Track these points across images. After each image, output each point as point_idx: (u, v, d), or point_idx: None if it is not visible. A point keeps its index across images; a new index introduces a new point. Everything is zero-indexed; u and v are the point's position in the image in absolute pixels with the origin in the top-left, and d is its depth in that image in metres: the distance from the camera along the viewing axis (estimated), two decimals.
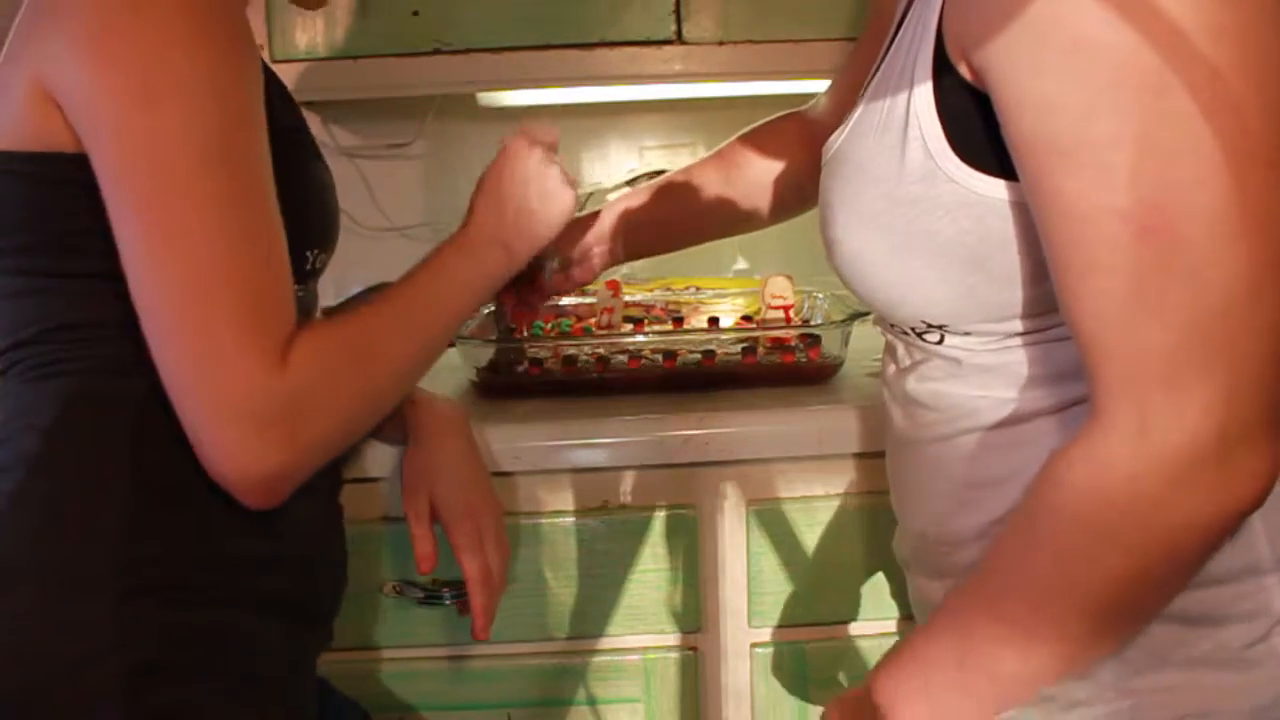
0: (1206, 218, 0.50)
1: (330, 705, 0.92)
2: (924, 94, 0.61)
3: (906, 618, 1.08)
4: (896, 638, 1.08)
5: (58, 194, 0.69)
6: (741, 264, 1.61)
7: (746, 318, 1.30)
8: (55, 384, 0.71)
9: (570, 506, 1.05)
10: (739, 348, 1.15)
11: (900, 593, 1.07)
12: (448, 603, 1.03)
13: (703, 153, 1.56)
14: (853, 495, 1.06)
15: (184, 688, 0.70)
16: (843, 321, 1.13)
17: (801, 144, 1.04)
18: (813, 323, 1.22)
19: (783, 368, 1.13)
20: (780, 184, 1.07)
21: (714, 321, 1.27)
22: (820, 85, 1.27)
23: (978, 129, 0.58)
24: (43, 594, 0.68)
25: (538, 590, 1.06)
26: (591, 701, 1.08)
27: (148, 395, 0.69)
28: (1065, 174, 0.52)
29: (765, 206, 1.08)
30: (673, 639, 1.08)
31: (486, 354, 1.14)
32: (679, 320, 1.29)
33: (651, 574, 1.06)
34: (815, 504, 1.06)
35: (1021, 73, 0.53)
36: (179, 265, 0.64)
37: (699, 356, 1.15)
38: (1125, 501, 0.53)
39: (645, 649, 1.08)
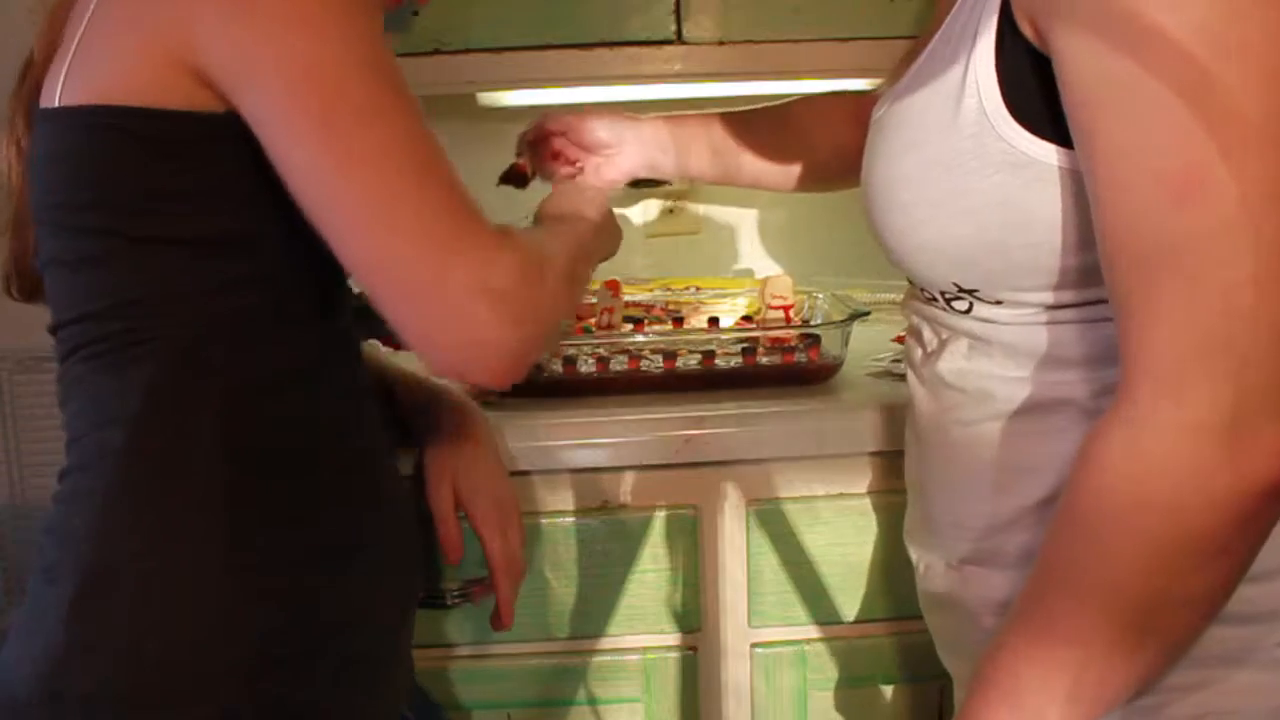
0: (1241, 189, 0.50)
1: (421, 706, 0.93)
2: (985, 52, 0.61)
3: (907, 618, 1.08)
4: (896, 638, 1.09)
5: (160, 151, 0.67)
6: (741, 264, 1.61)
7: (746, 318, 1.30)
8: (132, 372, 0.69)
9: (570, 506, 1.05)
10: (739, 348, 1.15)
11: (901, 592, 1.07)
12: (449, 604, 1.03)
13: None
14: (853, 495, 1.06)
15: (296, 675, 0.70)
16: (843, 321, 1.13)
17: (859, 119, 1.02)
18: (813, 323, 1.22)
19: (783, 368, 1.13)
20: (830, 149, 1.04)
21: (714, 321, 1.27)
22: (820, 86, 1.27)
23: (1036, 92, 0.58)
24: (146, 593, 0.67)
25: (538, 590, 1.06)
26: (591, 701, 1.08)
27: (229, 376, 0.69)
28: (1109, 137, 0.53)
29: (810, 167, 1.06)
30: (672, 639, 1.08)
31: None
32: (679, 320, 1.29)
33: (651, 574, 1.06)
34: (815, 504, 1.06)
35: (1079, 34, 0.53)
36: (380, 168, 0.63)
37: (699, 356, 1.15)
38: (1142, 489, 0.53)
39: (645, 649, 1.08)
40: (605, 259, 0.93)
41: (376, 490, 0.77)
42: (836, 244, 1.56)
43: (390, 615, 0.79)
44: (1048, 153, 0.59)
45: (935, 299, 0.70)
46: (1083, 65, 0.54)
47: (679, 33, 1.23)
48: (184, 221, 0.67)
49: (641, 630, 1.07)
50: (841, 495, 1.06)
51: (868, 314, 1.14)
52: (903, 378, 1.11)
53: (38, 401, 1.61)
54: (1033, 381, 0.66)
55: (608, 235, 0.93)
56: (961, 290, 0.67)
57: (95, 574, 0.67)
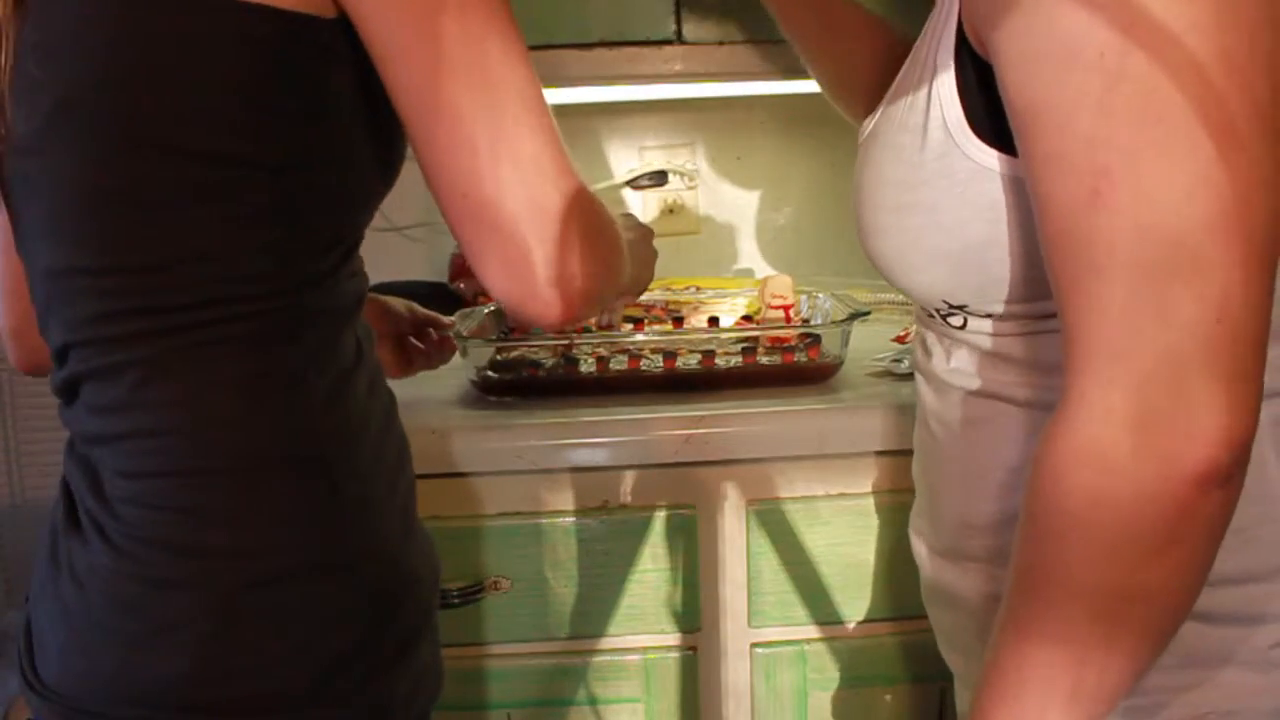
0: (1153, 189, 0.50)
1: None
2: (946, 74, 0.61)
3: (907, 618, 1.08)
4: (897, 638, 1.09)
5: (261, 57, 0.59)
6: (742, 264, 1.61)
7: (746, 317, 1.30)
8: (241, 360, 0.63)
9: (570, 506, 1.05)
10: (739, 347, 1.15)
11: (901, 592, 1.07)
12: (453, 602, 1.03)
13: (702, 153, 1.57)
14: (853, 495, 1.06)
15: (382, 674, 0.68)
16: (843, 321, 1.13)
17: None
18: (813, 322, 1.22)
19: (783, 367, 1.13)
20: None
21: (714, 321, 1.27)
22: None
23: (993, 105, 0.59)
24: (304, 598, 0.64)
25: (538, 590, 1.06)
26: (591, 701, 1.08)
27: (319, 357, 0.65)
28: (1036, 141, 0.54)
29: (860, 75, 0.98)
30: (672, 639, 1.08)
31: (487, 354, 1.14)
32: (679, 320, 1.29)
33: (651, 574, 1.06)
34: (815, 504, 1.06)
35: (1007, 41, 0.54)
36: (501, 87, 0.60)
37: (699, 356, 1.15)
38: (1080, 483, 0.53)
39: (645, 649, 1.08)
40: (634, 290, 0.91)
41: (403, 441, 0.75)
42: (836, 244, 1.56)
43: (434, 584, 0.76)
44: (1010, 165, 0.60)
45: (933, 315, 0.71)
46: (1012, 71, 0.54)
47: (679, 33, 1.23)
48: (280, 148, 0.61)
49: (641, 630, 1.07)
50: (842, 495, 1.06)
51: (868, 314, 1.14)
52: (903, 377, 1.12)
53: (38, 402, 1.61)
54: (1035, 386, 0.66)
55: (646, 265, 0.92)
56: (952, 307, 0.67)
57: (248, 586, 0.63)
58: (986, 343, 0.68)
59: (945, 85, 0.62)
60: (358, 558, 0.67)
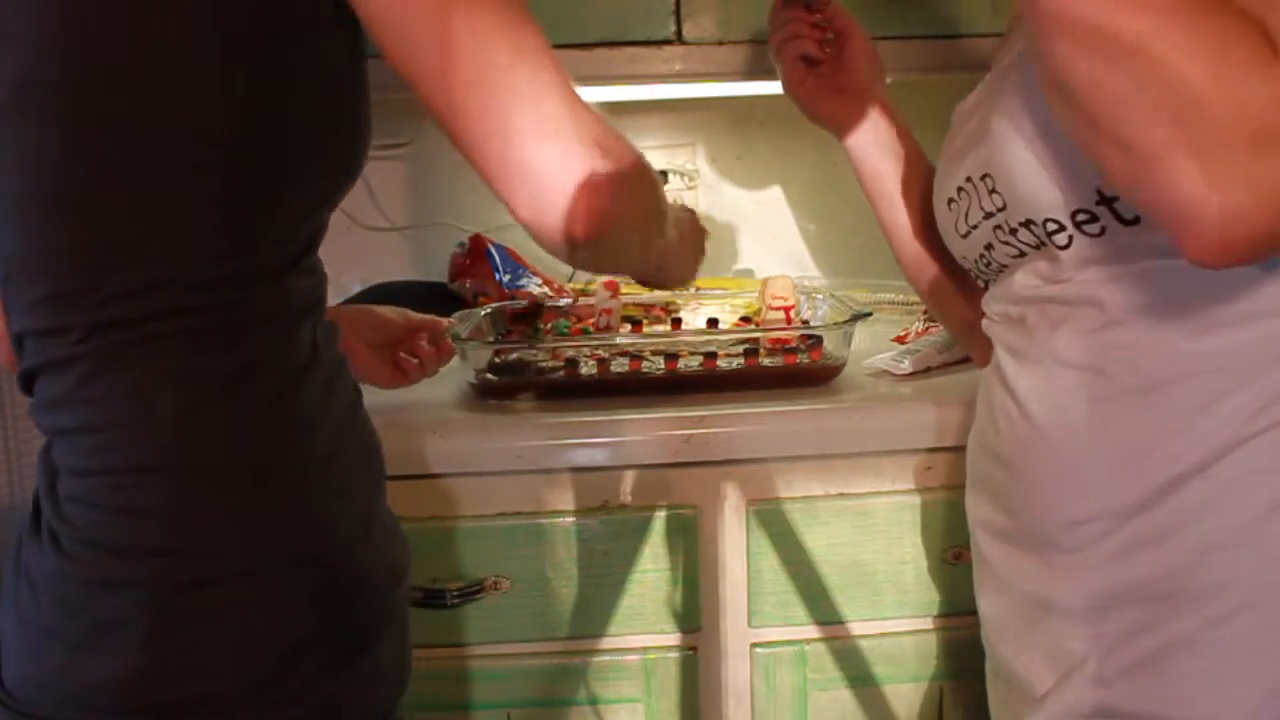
0: None
1: None
2: None
3: (907, 617, 1.08)
4: (897, 638, 1.09)
5: (239, 29, 0.58)
6: (741, 264, 1.61)
7: (746, 318, 1.30)
8: (159, 362, 0.62)
9: (570, 506, 1.05)
10: (741, 349, 1.15)
11: (900, 592, 1.07)
12: (453, 602, 1.03)
13: (703, 152, 1.57)
14: (853, 495, 1.06)
15: (331, 674, 0.67)
16: (845, 322, 1.12)
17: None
18: (814, 324, 1.22)
19: (785, 369, 1.13)
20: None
21: (713, 322, 1.27)
22: None
23: None
24: (244, 599, 0.64)
25: (538, 590, 1.06)
26: (592, 701, 1.08)
27: (272, 356, 0.64)
28: None
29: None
30: (673, 639, 1.08)
31: (486, 356, 1.14)
32: (678, 321, 1.29)
33: (651, 574, 1.06)
34: (815, 504, 1.06)
35: None
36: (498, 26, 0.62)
37: (700, 359, 1.15)
38: None
39: (645, 649, 1.08)
40: (684, 264, 0.90)
41: (368, 440, 0.74)
42: (837, 244, 1.56)
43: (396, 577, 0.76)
44: None
45: (1057, 230, 0.67)
46: None
47: (679, 33, 1.23)
48: (240, 126, 0.60)
49: (641, 630, 1.07)
50: (842, 495, 1.06)
51: (870, 314, 1.14)
52: (903, 377, 1.12)
53: None
54: (1175, 345, 0.64)
55: (692, 239, 0.90)
56: (1102, 198, 0.64)
57: (189, 586, 0.63)
58: (1119, 279, 0.65)
59: None
60: (301, 558, 0.66)
